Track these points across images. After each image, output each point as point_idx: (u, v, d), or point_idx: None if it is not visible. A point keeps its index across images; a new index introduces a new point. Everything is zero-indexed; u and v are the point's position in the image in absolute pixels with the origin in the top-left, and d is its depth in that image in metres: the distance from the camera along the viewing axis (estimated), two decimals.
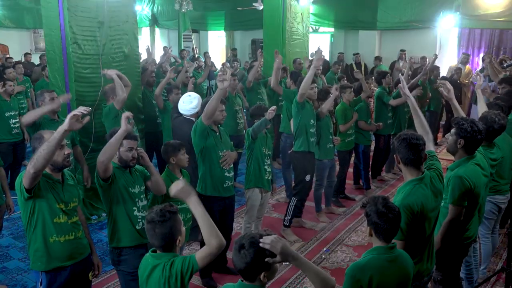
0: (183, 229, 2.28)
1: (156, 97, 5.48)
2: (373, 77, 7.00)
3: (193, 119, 4.39)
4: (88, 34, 5.06)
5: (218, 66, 12.07)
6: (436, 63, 8.23)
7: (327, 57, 12.21)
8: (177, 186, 2.26)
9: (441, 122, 9.48)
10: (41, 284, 2.77)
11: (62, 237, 2.72)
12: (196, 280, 4.08)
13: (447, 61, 10.65)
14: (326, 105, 5.09)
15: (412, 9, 10.63)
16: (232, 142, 4.23)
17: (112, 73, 4.59)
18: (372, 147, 6.65)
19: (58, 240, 2.71)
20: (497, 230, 4.21)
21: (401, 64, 10.46)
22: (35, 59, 11.42)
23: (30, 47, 12.91)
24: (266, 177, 4.37)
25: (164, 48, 11.84)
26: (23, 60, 11.05)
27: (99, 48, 5.14)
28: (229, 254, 4.23)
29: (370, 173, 6.51)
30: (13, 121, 5.95)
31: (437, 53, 9.15)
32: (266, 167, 4.36)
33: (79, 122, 2.55)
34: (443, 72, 9.50)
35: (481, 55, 10.04)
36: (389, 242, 2.22)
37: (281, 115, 6.01)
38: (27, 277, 4.14)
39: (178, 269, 2.16)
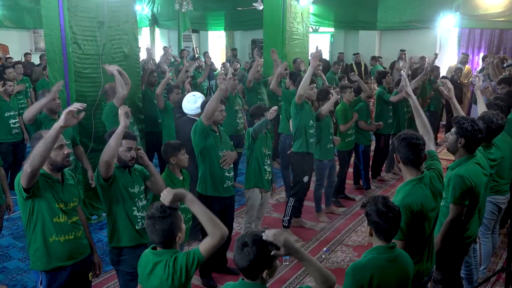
0: (184, 226, 2.29)
1: (157, 96, 5.48)
2: (372, 77, 7.00)
3: (197, 118, 4.40)
4: (88, 34, 5.06)
5: (218, 66, 12.07)
6: (436, 63, 8.24)
7: (327, 57, 12.22)
8: (168, 197, 2.20)
9: (441, 122, 9.49)
10: (41, 284, 2.76)
11: (62, 237, 2.72)
12: (196, 280, 4.08)
13: (447, 61, 10.66)
14: (326, 107, 5.09)
15: (412, 9, 10.63)
16: (232, 142, 4.23)
17: (112, 68, 4.58)
18: (372, 147, 6.65)
19: (58, 239, 2.71)
20: (497, 230, 4.21)
21: (401, 64, 10.46)
22: (35, 59, 11.42)
23: (30, 47, 12.92)
24: (266, 177, 4.37)
25: (164, 48, 11.84)
26: (23, 60, 11.06)
27: (99, 48, 5.14)
28: (229, 254, 4.23)
29: (370, 173, 6.51)
30: (13, 121, 5.96)
31: (437, 52, 9.16)
32: (266, 167, 4.36)
33: (74, 118, 2.53)
34: (443, 72, 9.51)
35: (481, 54, 10.05)
36: (389, 242, 2.22)
37: (280, 116, 6.01)
38: (27, 277, 4.14)
39: (182, 264, 2.16)
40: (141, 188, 3.15)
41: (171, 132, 5.40)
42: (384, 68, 10.26)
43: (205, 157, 3.89)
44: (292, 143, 5.06)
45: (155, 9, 14.44)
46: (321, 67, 7.38)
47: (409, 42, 10.95)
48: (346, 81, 7.18)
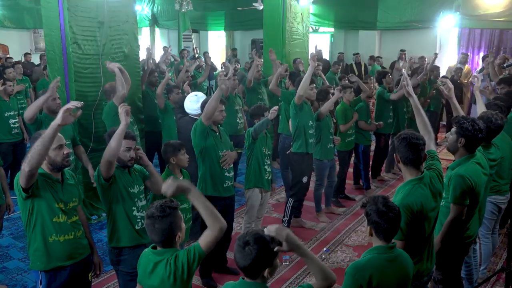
0: (183, 225, 2.28)
1: (158, 96, 5.47)
2: (371, 77, 7.01)
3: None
4: (88, 34, 5.06)
5: (218, 66, 12.07)
6: (436, 63, 8.24)
7: (327, 57, 12.22)
8: (170, 188, 2.21)
9: (441, 122, 9.49)
10: (40, 284, 2.76)
11: (61, 237, 2.72)
12: (196, 280, 4.08)
13: (447, 61, 10.66)
14: (327, 106, 5.09)
15: (412, 9, 10.63)
16: (232, 142, 4.23)
17: (114, 66, 4.58)
18: (372, 147, 6.65)
19: (58, 239, 2.71)
20: (496, 230, 4.21)
21: (401, 64, 10.46)
22: (35, 59, 11.43)
23: (30, 47, 12.91)
24: (266, 177, 4.37)
25: (164, 48, 11.85)
26: (23, 60, 11.06)
27: (99, 48, 5.14)
28: (229, 254, 4.23)
29: (370, 173, 6.51)
30: (13, 121, 5.96)
31: (437, 52, 9.16)
32: (266, 167, 4.36)
33: (71, 116, 2.52)
34: (443, 72, 9.51)
35: (481, 54, 10.05)
36: (389, 242, 2.22)
37: (280, 116, 6.02)
38: (27, 277, 4.14)
39: (184, 261, 2.17)
40: (140, 188, 3.15)
41: (171, 132, 5.40)
42: (384, 68, 10.26)
43: (205, 157, 3.90)
44: (291, 143, 5.06)
45: (155, 9, 14.44)
46: (321, 67, 7.38)
47: (409, 42, 10.95)
48: (347, 81, 7.18)
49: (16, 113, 6.06)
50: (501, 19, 9.40)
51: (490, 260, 4.24)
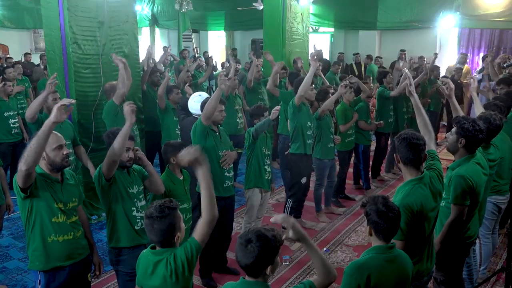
0: (183, 225, 2.28)
1: (159, 97, 5.47)
2: (371, 77, 7.02)
3: None
4: (88, 34, 5.06)
5: (218, 66, 12.08)
6: (436, 63, 8.25)
7: (327, 57, 12.22)
8: (187, 157, 2.27)
9: (441, 122, 9.48)
10: (39, 284, 2.76)
11: (60, 237, 2.71)
12: (196, 280, 4.08)
13: (447, 61, 10.66)
14: (328, 103, 5.08)
15: (412, 9, 10.63)
16: (232, 142, 4.23)
17: (119, 61, 4.56)
18: (372, 147, 6.65)
19: (57, 239, 2.71)
20: (496, 231, 4.21)
21: (401, 64, 10.46)
22: (35, 59, 11.43)
23: (30, 47, 12.91)
24: (266, 177, 4.37)
25: (164, 48, 11.85)
26: (23, 60, 11.05)
27: (99, 48, 5.14)
28: (229, 254, 4.23)
29: (370, 173, 6.51)
30: (12, 121, 5.96)
31: (437, 52, 9.16)
32: (266, 167, 4.36)
33: (64, 113, 2.51)
34: (443, 73, 9.51)
35: (481, 54, 10.05)
36: (388, 242, 2.22)
37: (279, 116, 6.01)
38: (27, 277, 4.14)
39: (182, 258, 2.17)
40: (140, 188, 3.15)
41: (170, 132, 5.41)
42: (384, 68, 10.25)
43: (205, 157, 3.88)
44: (290, 144, 5.05)
45: (155, 9, 14.44)
46: (320, 67, 7.38)
47: (409, 42, 10.95)
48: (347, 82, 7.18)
49: (15, 113, 6.06)
50: (501, 19, 9.40)
51: (490, 260, 4.24)
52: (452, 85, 3.54)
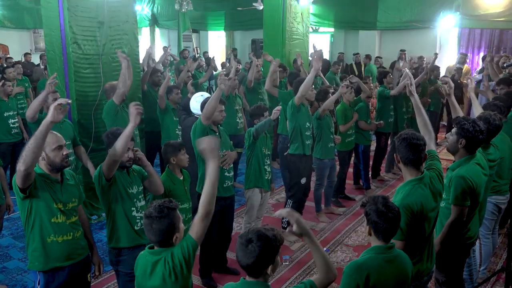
0: (182, 226, 2.28)
1: (160, 97, 5.47)
2: (370, 77, 7.03)
3: None
4: (88, 34, 5.06)
5: (218, 66, 12.07)
6: (436, 63, 8.24)
7: (327, 57, 12.22)
8: (209, 144, 2.28)
9: (441, 122, 9.48)
10: (38, 284, 2.76)
11: (59, 237, 2.71)
12: (196, 280, 4.08)
13: (447, 61, 10.66)
14: (328, 102, 5.08)
15: (412, 9, 10.63)
16: (232, 142, 4.23)
17: (123, 58, 4.56)
18: (372, 147, 6.65)
19: (56, 240, 2.70)
20: (496, 231, 4.21)
21: (401, 64, 10.46)
22: (35, 59, 11.43)
23: (30, 47, 12.92)
24: (266, 177, 4.37)
25: (164, 48, 11.86)
26: (23, 60, 11.06)
27: (99, 48, 5.14)
28: (229, 254, 4.24)
29: (370, 173, 6.51)
30: (12, 121, 5.96)
31: (437, 52, 9.16)
32: (266, 167, 4.36)
33: (61, 113, 2.49)
34: (443, 73, 9.51)
35: (481, 54, 10.05)
36: (387, 242, 2.22)
37: (279, 116, 6.00)
38: (27, 277, 4.14)
39: (180, 257, 2.17)
40: (139, 189, 3.14)
41: (170, 133, 5.41)
42: (384, 68, 10.25)
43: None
44: (288, 144, 5.04)
45: (155, 9, 14.44)
46: (320, 67, 7.37)
47: (409, 42, 10.95)
48: (348, 82, 7.19)
49: (15, 113, 6.06)
50: (501, 19, 9.40)
51: (490, 260, 4.24)
52: (452, 84, 3.54)
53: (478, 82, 8.29)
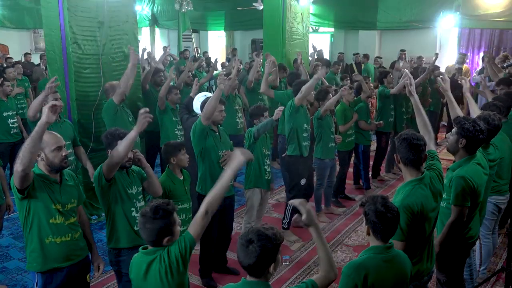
0: (177, 229, 2.26)
1: (160, 98, 5.46)
2: (369, 77, 7.03)
3: None
4: (88, 34, 5.06)
5: (218, 66, 12.06)
6: (436, 63, 8.25)
7: (327, 57, 12.22)
8: (235, 155, 2.38)
9: (441, 122, 9.48)
10: (36, 285, 2.75)
11: (58, 238, 2.70)
12: (196, 280, 4.08)
13: (446, 61, 10.66)
14: (328, 104, 5.07)
15: (412, 9, 10.63)
16: (231, 142, 4.23)
17: (135, 59, 4.55)
18: (373, 147, 6.65)
19: (54, 241, 2.69)
20: (496, 231, 4.21)
21: (401, 64, 10.46)
22: (35, 59, 11.42)
23: (30, 47, 12.91)
24: (266, 177, 4.37)
25: (164, 48, 11.86)
26: (23, 60, 11.05)
27: (99, 48, 5.14)
28: (229, 254, 4.24)
29: (370, 173, 6.51)
30: (11, 121, 5.95)
31: (437, 52, 9.16)
32: (266, 167, 4.36)
33: (55, 114, 2.47)
34: None
35: (481, 54, 10.05)
36: (386, 242, 2.22)
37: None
38: (27, 277, 4.13)
39: (176, 253, 2.17)
40: (139, 189, 3.14)
41: (169, 133, 5.40)
42: (384, 68, 10.25)
43: (205, 157, 3.89)
44: (286, 146, 5.04)
45: (155, 9, 14.44)
46: (320, 67, 7.38)
47: (409, 42, 10.95)
48: (349, 81, 7.20)
49: (14, 113, 6.05)
50: (501, 19, 9.40)
51: (490, 260, 4.24)
52: (447, 78, 3.55)
53: (477, 83, 8.28)
